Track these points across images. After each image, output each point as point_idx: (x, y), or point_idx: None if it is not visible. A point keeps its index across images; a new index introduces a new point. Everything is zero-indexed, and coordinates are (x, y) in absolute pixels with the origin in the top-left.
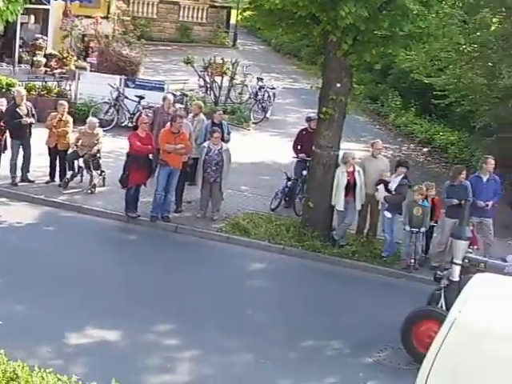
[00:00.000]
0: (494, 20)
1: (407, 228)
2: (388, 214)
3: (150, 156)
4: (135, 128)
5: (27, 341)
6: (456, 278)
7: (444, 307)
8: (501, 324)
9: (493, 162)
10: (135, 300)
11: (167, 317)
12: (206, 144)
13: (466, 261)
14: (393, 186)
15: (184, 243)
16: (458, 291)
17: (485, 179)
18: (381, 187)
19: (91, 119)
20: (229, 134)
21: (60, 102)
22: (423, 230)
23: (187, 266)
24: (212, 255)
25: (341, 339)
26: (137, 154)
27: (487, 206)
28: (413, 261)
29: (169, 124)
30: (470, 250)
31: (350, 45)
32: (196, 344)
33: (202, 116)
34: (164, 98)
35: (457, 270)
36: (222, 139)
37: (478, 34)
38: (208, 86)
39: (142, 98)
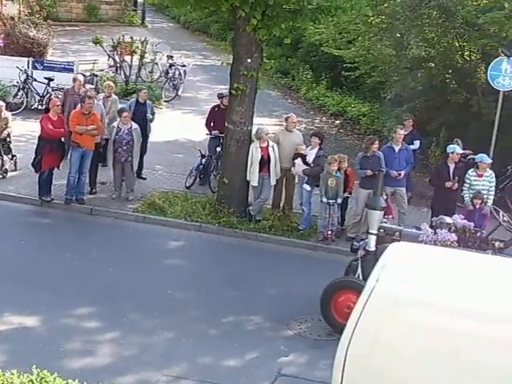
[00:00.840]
0: None
1: (324, 199)
2: (307, 187)
3: (63, 139)
4: (46, 111)
5: None
6: (372, 248)
7: (361, 277)
8: (417, 291)
9: (401, 131)
10: (53, 284)
11: (86, 300)
12: (115, 124)
13: (382, 230)
14: (310, 158)
15: (100, 225)
16: (375, 261)
17: (397, 149)
18: (298, 161)
19: None
20: (153, 114)
21: None
22: (339, 201)
23: (104, 248)
24: (129, 236)
25: (261, 313)
26: (49, 138)
27: (400, 175)
28: (330, 232)
29: (79, 105)
30: (384, 220)
31: (258, 20)
32: (116, 326)
33: (114, 96)
34: (74, 79)
35: (373, 239)
36: (145, 118)
37: (385, 5)
38: (118, 65)
39: (51, 79)
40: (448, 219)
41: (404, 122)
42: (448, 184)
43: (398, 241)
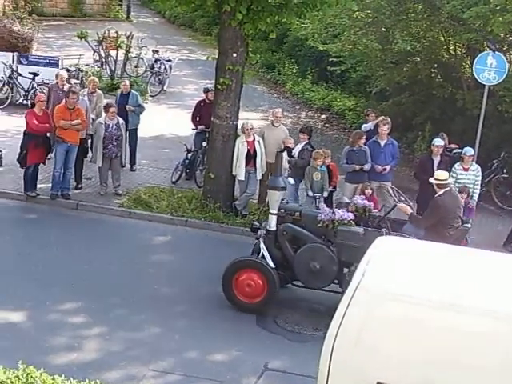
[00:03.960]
0: None
1: (310, 193)
2: (291, 181)
3: (48, 134)
4: (32, 106)
5: None
6: (273, 228)
7: (264, 257)
8: (403, 286)
9: (385, 127)
10: (38, 280)
11: (72, 295)
12: (101, 120)
13: (282, 210)
14: (296, 152)
15: (86, 220)
16: (276, 240)
17: (382, 143)
18: (284, 154)
19: None
20: (138, 105)
21: None
22: (325, 194)
23: (90, 243)
24: (115, 231)
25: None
26: (34, 133)
27: (385, 169)
28: None
29: (64, 100)
30: (284, 200)
31: (244, 14)
32: (102, 321)
33: (99, 91)
34: (57, 75)
35: (273, 219)
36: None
37: None
38: (103, 60)
39: (36, 74)
40: (347, 199)
41: (366, 118)
42: (431, 180)
43: (299, 221)
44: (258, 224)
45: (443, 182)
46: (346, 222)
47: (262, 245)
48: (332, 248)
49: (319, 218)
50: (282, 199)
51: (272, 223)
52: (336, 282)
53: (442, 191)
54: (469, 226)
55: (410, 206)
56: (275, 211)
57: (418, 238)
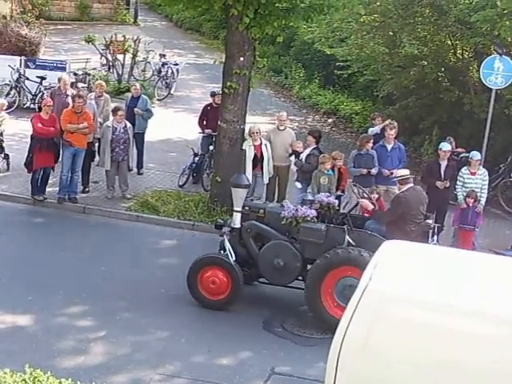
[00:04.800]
0: None
1: None
2: (298, 185)
3: (56, 139)
4: (39, 110)
5: None
6: (237, 225)
7: (229, 253)
8: (410, 289)
9: (392, 131)
10: (45, 283)
11: (79, 299)
12: (109, 123)
13: (247, 208)
14: (303, 156)
15: (93, 224)
16: (240, 237)
17: (389, 147)
18: (292, 157)
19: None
20: (147, 110)
21: None
22: None
23: (97, 247)
24: (122, 234)
25: (255, 312)
26: (40, 137)
27: (392, 174)
28: None
29: (71, 104)
30: (249, 198)
31: (251, 18)
32: (109, 324)
33: (106, 95)
34: (59, 79)
35: (238, 217)
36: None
37: (378, 3)
38: (110, 64)
39: (43, 78)
40: (310, 196)
41: (373, 121)
42: (438, 184)
43: (263, 218)
44: (222, 221)
45: (403, 179)
46: (308, 219)
47: (226, 242)
48: (296, 245)
49: (282, 215)
50: (247, 197)
51: (236, 221)
52: (300, 278)
53: (405, 187)
54: (430, 221)
55: (372, 203)
56: (239, 208)
57: (379, 233)
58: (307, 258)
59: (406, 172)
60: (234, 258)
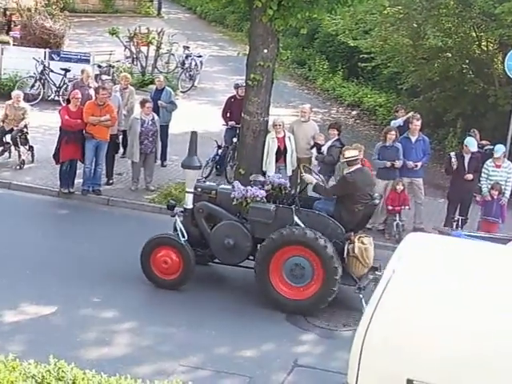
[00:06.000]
0: None
1: None
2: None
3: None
4: (68, 102)
5: None
6: (189, 206)
7: (180, 233)
8: (434, 284)
9: (418, 122)
10: (70, 275)
11: (103, 290)
12: (137, 116)
13: (199, 189)
14: (325, 148)
15: (116, 215)
16: (193, 218)
17: (413, 140)
18: (314, 150)
19: (15, 91)
20: (171, 102)
21: None
22: None
23: (121, 239)
24: (145, 226)
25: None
26: (66, 129)
27: (416, 166)
28: None
29: (94, 96)
30: (199, 178)
31: (275, 10)
32: (133, 316)
33: (131, 87)
34: (82, 71)
35: (190, 198)
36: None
37: None
38: (134, 56)
39: (67, 70)
40: (261, 177)
41: (396, 114)
42: (466, 176)
43: (215, 199)
44: (174, 202)
45: (352, 159)
46: (258, 199)
47: (177, 222)
48: (246, 225)
49: (232, 196)
50: (199, 178)
51: (188, 201)
52: (251, 258)
53: (353, 168)
54: (377, 202)
55: (316, 178)
56: (191, 190)
57: (327, 213)
58: (257, 238)
59: (354, 153)
60: (185, 238)
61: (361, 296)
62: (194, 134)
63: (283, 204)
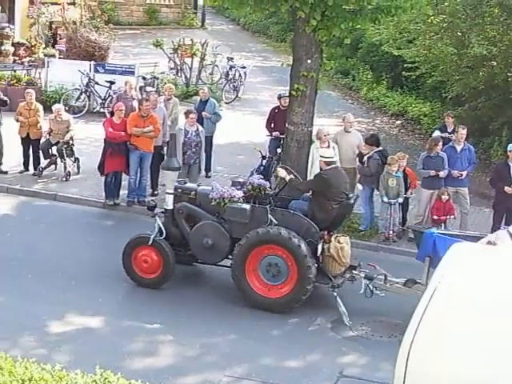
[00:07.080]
0: None
1: (385, 199)
2: (359, 186)
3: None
4: (112, 114)
5: (9, 331)
6: (170, 207)
7: (158, 233)
8: (480, 292)
9: (464, 131)
10: (115, 285)
11: (147, 301)
12: (181, 126)
13: (179, 190)
14: (365, 158)
15: None
16: (173, 218)
17: (459, 149)
18: (356, 161)
19: (55, 105)
20: (215, 113)
21: (27, 90)
22: (400, 200)
23: None
24: None
25: (323, 314)
26: (110, 141)
27: (461, 175)
28: (391, 233)
29: (138, 108)
30: (179, 179)
31: (318, 20)
32: (178, 327)
33: (175, 98)
34: (125, 83)
35: (170, 199)
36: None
37: (446, 4)
38: (178, 67)
39: (112, 82)
40: (241, 179)
41: (445, 121)
42: (507, 190)
43: (194, 200)
44: (154, 203)
45: (328, 160)
46: (235, 199)
47: (158, 222)
48: (224, 225)
49: (210, 197)
50: (179, 180)
51: (169, 202)
52: (230, 257)
53: (328, 167)
54: (352, 201)
55: (292, 177)
56: (171, 190)
57: (302, 212)
58: (235, 238)
59: (330, 153)
60: (163, 237)
61: (335, 294)
62: (173, 135)
63: (262, 204)
